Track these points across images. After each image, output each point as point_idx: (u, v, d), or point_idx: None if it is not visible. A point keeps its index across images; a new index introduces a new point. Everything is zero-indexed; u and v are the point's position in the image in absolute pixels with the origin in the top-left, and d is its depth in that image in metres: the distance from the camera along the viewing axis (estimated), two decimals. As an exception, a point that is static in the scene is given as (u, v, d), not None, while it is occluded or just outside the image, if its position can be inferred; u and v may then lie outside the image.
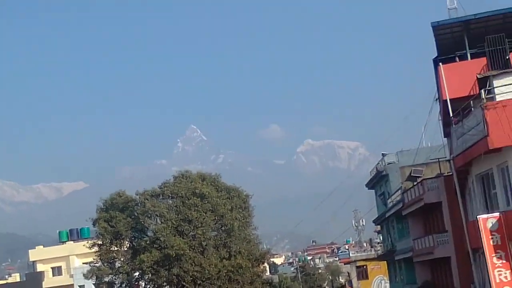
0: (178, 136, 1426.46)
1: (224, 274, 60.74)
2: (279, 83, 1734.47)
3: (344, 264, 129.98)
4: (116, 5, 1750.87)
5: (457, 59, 38.41)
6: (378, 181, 71.49)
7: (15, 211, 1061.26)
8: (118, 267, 63.63)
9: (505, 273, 27.65)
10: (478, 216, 28.78)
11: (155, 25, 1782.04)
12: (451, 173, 40.27)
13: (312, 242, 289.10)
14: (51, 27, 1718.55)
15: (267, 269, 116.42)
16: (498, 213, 28.53)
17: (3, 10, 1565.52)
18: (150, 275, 62.23)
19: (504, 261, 27.74)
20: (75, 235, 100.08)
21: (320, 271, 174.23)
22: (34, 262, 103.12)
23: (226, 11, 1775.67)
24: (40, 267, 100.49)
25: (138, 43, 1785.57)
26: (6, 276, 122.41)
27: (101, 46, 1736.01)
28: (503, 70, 34.00)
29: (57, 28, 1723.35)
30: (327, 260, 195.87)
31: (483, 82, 34.11)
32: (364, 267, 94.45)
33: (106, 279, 65.68)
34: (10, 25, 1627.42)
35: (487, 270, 28.19)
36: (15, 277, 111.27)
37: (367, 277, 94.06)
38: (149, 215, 61.77)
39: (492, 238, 27.94)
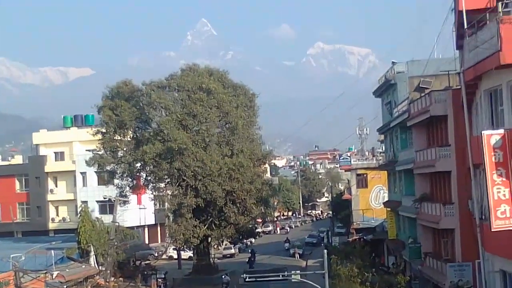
0: (188, 29, 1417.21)
1: (225, 172, 61.14)
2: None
3: (345, 172, 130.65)
4: None
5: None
6: (385, 89, 70.99)
7: (21, 93, 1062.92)
8: (120, 157, 64.03)
9: (504, 191, 27.57)
10: (482, 132, 28.54)
11: None
12: (459, 87, 39.88)
13: (315, 147, 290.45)
14: None
15: (268, 170, 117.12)
16: (503, 130, 28.29)
17: None
18: (151, 167, 62.68)
19: (504, 179, 27.63)
20: (80, 121, 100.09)
21: (320, 176, 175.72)
22: (37, 145, 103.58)
23: None
24: (43, 151, 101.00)
25: None
26: (9, 158, 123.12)
27: None
28: (524, -15, 33.23)
29: None
30: (328, 166, 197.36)
31: (502, -6, 33.38)
32: (364, 175, 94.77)
33: (108, 168, 66.24)
34: None
35: (486, 187, 28.13)
36: (18, 159, 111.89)
37: (366, 186, 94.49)
38: (154, 107, 61.74)
39: (494, 155, 27.76)
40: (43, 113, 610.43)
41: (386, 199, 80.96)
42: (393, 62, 68.78)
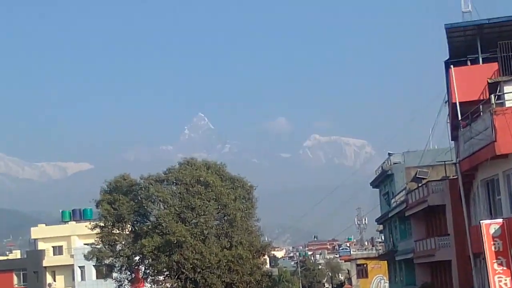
0: (186, 123, 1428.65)
1: (224, 264, 60.82)
2: (288, 77, 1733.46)
3: (345, 262, 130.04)
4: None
5: (468, 62, 38.28)
6: (383, 180, 71.43)
7: (19, 188, 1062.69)
8: (119, 250, 63.70)
9: (505, 280, 27.64)
10: (481, 221, 28.76)
11: (163, 15, 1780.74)
12: (456, 177, 40.21)
13: (314, 237, 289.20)
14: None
15: (268, 261, 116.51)
16: (501, 219, 28.50)
17: None
18: (150, 260, 62.31)
19: (504, 268, 27.72)
20: (78, 215, 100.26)
21: (320, 267, 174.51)
22: (35, 240, 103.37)
23: (236, 4, 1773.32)
24: (41, 245, 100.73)
25: (147, 32, 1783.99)
26: (7, 253, 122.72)
27: (110, 34, 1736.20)
28: (515, 77, 33.94)
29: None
30: (328, 257, 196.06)
31: (494, 87, 34.04)
32: (365, 265, 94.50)
33: (107, 261, 65.81)
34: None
35: (487, 276, 28.17)
36: (16, 254, 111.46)
37: (367, 276, 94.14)
38: (152, 200, 61.79)
39: (494, 244, 27.92)
40: (41, 208, 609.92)
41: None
42: (389, 153, 69.41)
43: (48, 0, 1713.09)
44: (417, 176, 56.41)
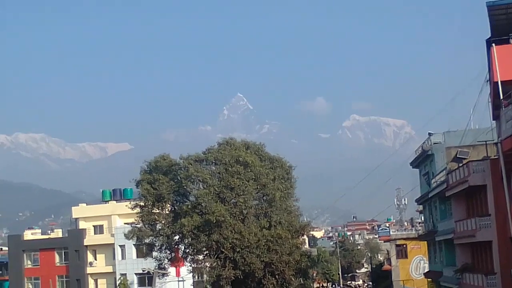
0: (224, 103, 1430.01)
1: (263, 243, 60.91)
2: (326, 57, 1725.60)
3: (384, 242, 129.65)
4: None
5: (510, 40, 37.78)
6: (423, 160, 70.91)
7: (60, 168, 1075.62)
8: (159, 230, 64.09)
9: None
10: (523, 201, 28.47)
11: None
12: (498, 157, 39.82)
13: (353, 218, 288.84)
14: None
15: (306, 241, 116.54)
16: (543, 200, 28.19)
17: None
18: (190, 239, 62.62)
19: (546, 248, 27.45)
20: (118, 195, 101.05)
21: (359, 247, 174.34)
22: (76, 219, 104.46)
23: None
24: (82, 225, 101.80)
25: (187, 13, 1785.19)
26: (49, 231, 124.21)
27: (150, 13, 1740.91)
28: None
29: None
30: (367, 237, 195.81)
31: (537, 66, 33.58)
32: (404, 246, 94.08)
33: (147, 241, 66.31)
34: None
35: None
36: (58, 233, 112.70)
37: (406, 256, 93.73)
38: (191, 180, 61.99)
39: (535, 224, 27.64)
40: (82, 188, 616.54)
41: (426, 269, 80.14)
42: (429, 133, 68.79)
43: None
44: (457, 156, 55.86)
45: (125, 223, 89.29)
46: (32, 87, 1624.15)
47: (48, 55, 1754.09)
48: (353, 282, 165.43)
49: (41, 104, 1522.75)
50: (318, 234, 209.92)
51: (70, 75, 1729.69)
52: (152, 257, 68.97)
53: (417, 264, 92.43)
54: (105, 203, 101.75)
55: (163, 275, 65.21)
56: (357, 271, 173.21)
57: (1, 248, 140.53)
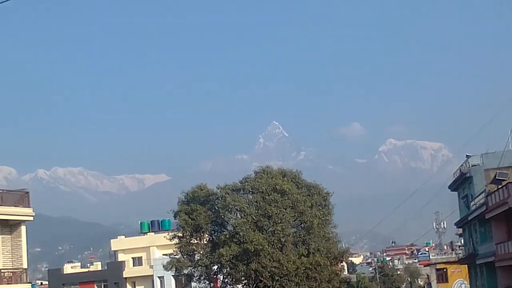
0: (260, 131, 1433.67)
1: (302, 271, 60.64)
2: (361, 81, 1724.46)
3: (424, 266, 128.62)
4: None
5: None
6: (461, 183, 70.40)
7: (99, 201, 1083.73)
8: (197, 260, 64.10)
9: None
10: None
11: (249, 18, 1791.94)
12: (537, 177, 39.42)
13: (392, 242, 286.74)
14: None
15: (345, 268, 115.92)
16: None
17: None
18: (228, 269, 62.51)
19: None
20: (156, 226, 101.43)
21: (398, 272, 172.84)
22: (115, 251, 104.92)
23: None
24: (121, 257, 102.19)
25: (223, 40, 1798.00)
26: (88, 264, 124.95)
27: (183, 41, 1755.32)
28: None
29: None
30: (406, 262, 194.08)
31: None
32: (444, 270, 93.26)
33: (185, 271, 66.34)
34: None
35: None
36: (97, 266, 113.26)
37: (447, 280, 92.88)
38: (229, 209, 61.97)
39: None
40: (121, 220, 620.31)
41: (468, 293, 79.28)
42: (467, 156, 68.35)
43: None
44: (496, 177, 55.43)
45: (163, 254, 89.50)
46: (69, 122, 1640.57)
47: (84, 89, 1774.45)
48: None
49: (79, 137, 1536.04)
50: (357, 260, 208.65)
51: (107, 108, 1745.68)
52: (191, 287, 68.95)
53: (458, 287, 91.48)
54: (144, 235, 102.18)
55: (203, 305, 65.14)
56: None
57: (42, 283, 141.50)
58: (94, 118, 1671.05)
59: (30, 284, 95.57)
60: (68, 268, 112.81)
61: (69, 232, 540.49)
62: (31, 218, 57.34)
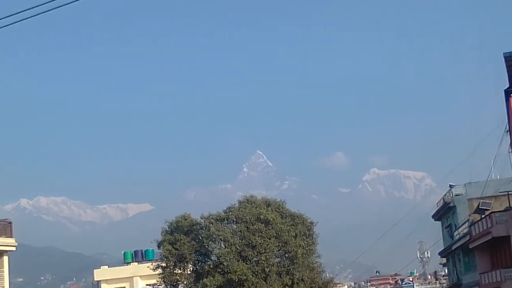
0: (244, 161, 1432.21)
1: (286, 302, 60.49)
2: (344, 112, 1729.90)
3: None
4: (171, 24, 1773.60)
5: (529, 91, 37.82)
6: (445, 212, 70.60)
7: (82, 230, 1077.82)
8: (181, 290, 63.86)
9: None
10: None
11: (221, 45, 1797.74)
12: (520, 207, 39.58)
13: (376, 272, 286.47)
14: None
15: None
16: None
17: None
18: (212, 300, 62.27)
19: None
20: (140, 256, 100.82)
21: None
22: (98, 281, 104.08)
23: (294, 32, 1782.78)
24: (104, 287, 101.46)
25: (205, 65, 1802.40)
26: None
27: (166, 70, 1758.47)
28: None
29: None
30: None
31: (556, 115, 33.50)
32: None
33: (169, 302, 65.96)
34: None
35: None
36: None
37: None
38: (213, 239, 61.87)
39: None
40: (104, 250, 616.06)
41: (453, 324, 79.15)
42: (450, 185, 68.63)
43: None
44: (480, 207, 55.65)
45: (147, 285, 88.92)
46: (52, 151, 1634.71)
47: (65, 118, 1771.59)
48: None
49: (61, 167, 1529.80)
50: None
51: (88, 138, 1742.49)
52: (175, 318, 68.52)
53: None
54: (127, 265, 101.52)
55: (187, 337, 64.71)
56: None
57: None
58: (77, 147, 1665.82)
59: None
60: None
61: (52, 262, 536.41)
62: (14, 248, 57.06)
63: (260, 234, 60.03)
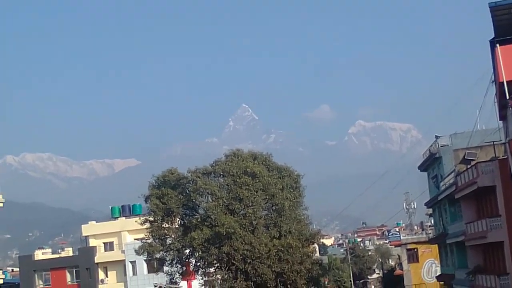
0: (230, 115, 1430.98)
1: (274, 254, 60.81)
2: (329, 65, 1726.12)
3: (395, 247, 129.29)
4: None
5: (515, 40, 37.72)
6: (431, 163, 70.73)
7: (68, 186, 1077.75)
8: (169, 244, 64.06)
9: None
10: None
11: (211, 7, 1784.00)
12: (506, 157, 39.71)
13: (362, 224, 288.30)
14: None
15: (317, 249, 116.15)
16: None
17: None
18: (200, 253, 62.57)
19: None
20: (127, 211, 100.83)
21: (370, 253, 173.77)
22: (86, 237, 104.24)
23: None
24: (92, 242, 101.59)
25: (195, 24, 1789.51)
26: (59, 250, 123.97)
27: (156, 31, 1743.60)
28: None
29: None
30: (377, 243, 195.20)
31: (542, 64, 33.48)
32: (415, 250, 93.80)
33: (157, 255, 66.20)
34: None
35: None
36: (68, 251, 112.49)
37: (417, 260, 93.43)
38: (200, 193, 61.98)
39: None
40: (91, 205, 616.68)
41: (438, 273, 79.87)
42: (436, 136, 68.64)
43: None
44: (465, 157, 55.72)
45: (135, 239, 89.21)
46: (37, 107, 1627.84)
47: (52, 72, 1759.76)
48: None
49: (47, 123, 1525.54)
50: (328, 241, 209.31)
51: (75, 93, 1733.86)
52: (163, 271, 68.87)
53: (429, 268, 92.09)
54: (115, 220, 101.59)
55: (175, 289, 65.19)
56: (369, 277, 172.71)
57: (12, 269, 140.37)
58: (62, 103, 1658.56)
59: (1, 271, 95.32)
60: (39, 255, 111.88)
61: (39, 218, 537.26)
62: (1, 205, 56.99)
63: (247, 187, 60.15)
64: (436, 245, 78.43)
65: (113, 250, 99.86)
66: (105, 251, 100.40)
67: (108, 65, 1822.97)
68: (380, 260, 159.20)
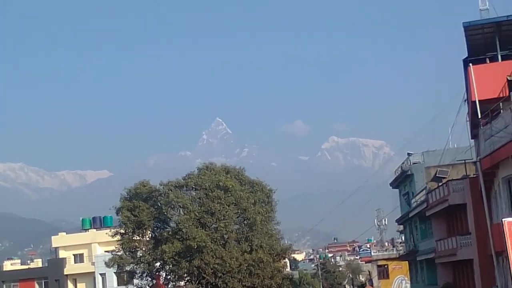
0: (203, 128, 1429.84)
1: (245, 268, 60.74)
2: (305, 79, 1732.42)
3: (365, 263, 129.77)
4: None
5: (487, 60, 38.10)
6: (402, 180, 71.13)
7: (39, 197, 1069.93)
8: (140, 257, 63.80)
9: (529, 278, 27.37)
10: (503, 219, 28.49)
11: (185, 18, 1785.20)
12: (477, 175, 39.97)
13: (334, 239, 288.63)
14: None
15: (288, 264, 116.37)
16: (523, 217, 28.22)
17: None
18: (171, 266, 62.34)
19: (527, 266, 27.43)
20: (98, 223, 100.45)
21: (340, 269, 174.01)
22: (56, 248, 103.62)
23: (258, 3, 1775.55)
24: (62, 254, 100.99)
25: (167, 35, 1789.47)
26: (29, 261, 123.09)
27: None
28: (534, 73, 33.69)
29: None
30: (348, 258, 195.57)
31: (513, 84, 33.81)
32: (385, 266, 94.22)
33: (128, 268, 65.93)
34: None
35: (510, 274, 27.93)
36: (37, 263, 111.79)
37: (388, 277, 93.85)
38: (172, 206, 61.82)
39: (516, 242, 27.62)
40: (62, 216, 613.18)
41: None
42: (408, 153, 69.10)
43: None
44: (437, 175, 56.13)
45: (105, 251, 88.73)
46: (9, 116, 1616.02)
47: (26, 80, 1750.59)
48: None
49: (19, 132, 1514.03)
50: (299, 256, 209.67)
51: (45, 102, 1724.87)
52: (133, 284, 68.55)
53: (398, 284, 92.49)
54: (85, 232, 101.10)
55: (145, 302, 64.85)
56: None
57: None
58: (35, 112, 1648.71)
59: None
60: (8, 265, 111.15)
61: (9, 229, 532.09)
62: (-30, 215, 56.48)
63: (219, 201, 60.09)
64: (407, 261, 78.81)
65: (83, 262, 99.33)
66: (75, 263, 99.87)
67: (80, 76, 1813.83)
68: (350, 276, 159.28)
